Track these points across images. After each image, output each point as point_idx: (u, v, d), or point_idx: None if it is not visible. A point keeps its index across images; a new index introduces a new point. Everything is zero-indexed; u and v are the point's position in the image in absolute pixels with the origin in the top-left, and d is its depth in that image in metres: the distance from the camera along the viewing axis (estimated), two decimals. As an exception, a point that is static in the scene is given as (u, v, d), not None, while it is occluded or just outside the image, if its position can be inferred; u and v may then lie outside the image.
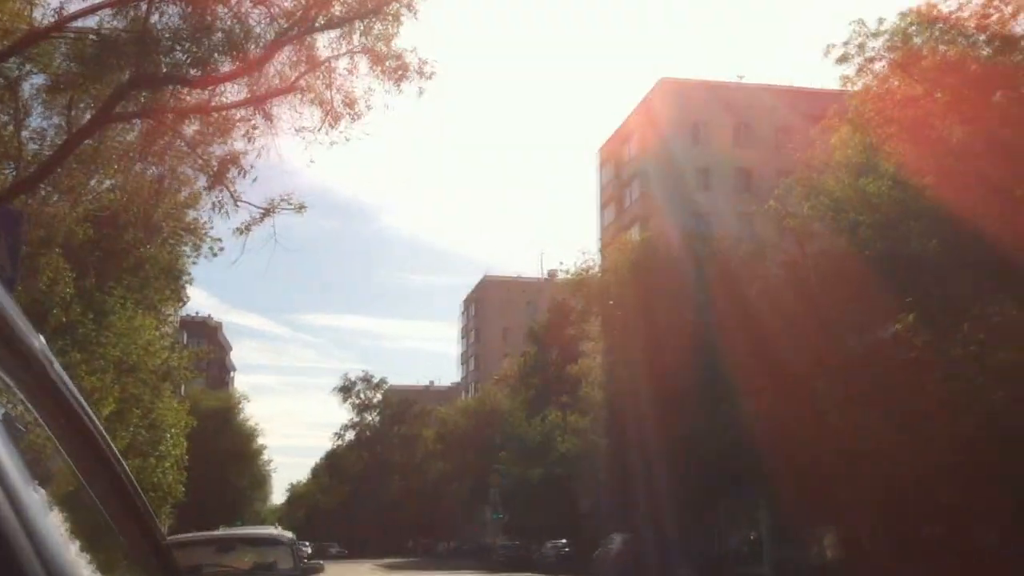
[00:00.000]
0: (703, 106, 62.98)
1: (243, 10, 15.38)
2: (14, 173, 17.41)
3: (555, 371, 64.01)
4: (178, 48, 15.40)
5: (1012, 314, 25.73)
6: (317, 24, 16.04)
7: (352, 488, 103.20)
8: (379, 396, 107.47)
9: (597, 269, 49.12)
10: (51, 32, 15.18)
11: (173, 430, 32.02)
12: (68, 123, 16.59)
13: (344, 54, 16.43)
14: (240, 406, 74.09)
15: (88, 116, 16.55)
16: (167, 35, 15.37)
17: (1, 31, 14.43)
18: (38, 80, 17.26)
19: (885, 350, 28.38)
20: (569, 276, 51.08)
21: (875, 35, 23.92)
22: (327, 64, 16.58)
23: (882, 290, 28.42)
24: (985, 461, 25.42)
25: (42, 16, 15.61)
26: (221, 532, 15.29)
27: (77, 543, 1.40)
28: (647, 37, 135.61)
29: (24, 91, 17.35)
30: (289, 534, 13.82)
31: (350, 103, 16.70)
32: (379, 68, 16.18)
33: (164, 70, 15.73)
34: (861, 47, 24.06)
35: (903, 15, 23.80)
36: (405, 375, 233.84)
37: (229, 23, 15.43)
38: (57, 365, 1.52)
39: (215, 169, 17.76)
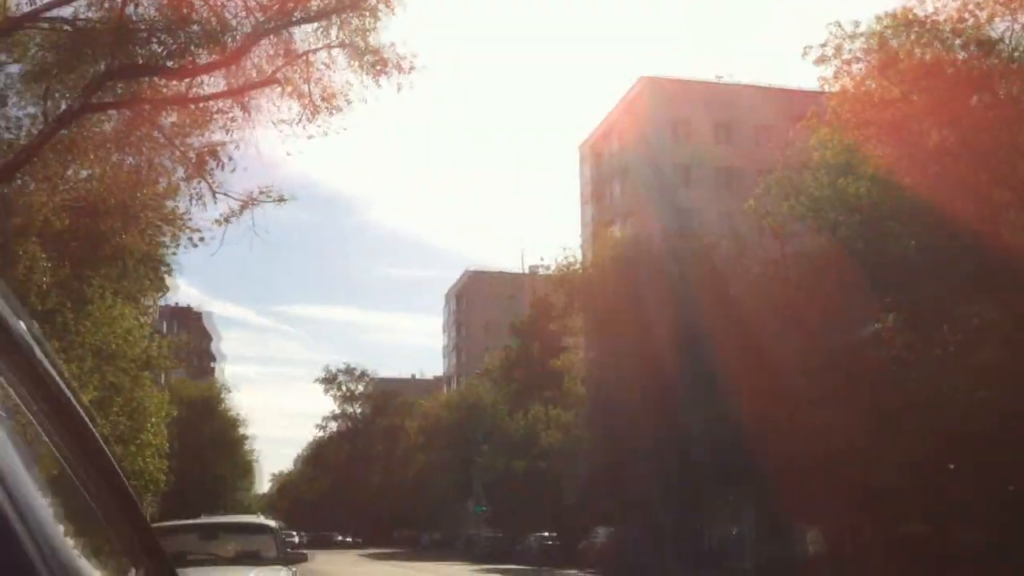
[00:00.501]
0: (684, 104, 63.13)
1: (219, 2, 15.39)
2: (-10, 162, 17.37)
3: (538, 365, 64.16)
4: (154, 40, 15.40)
5: (991, 315, 25.97)
6: (294, 18, 16.05)
7: (335, 479, 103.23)
8: (362, 388, 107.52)
9: (579, 265, 49.23)
10: (25, 21, 15.16)
11: (154, 419, 32.01)
12: (44, 112, 16.57)
13: (321, 48, 16.47)
14: (223, 396, 73.98)
15: (64, 106, 16.54)
16: (143, 26, 15.37)
17: (-24, 20, 14.41)
18: (13, 69, 17.24)
19: (865, 349, 28.59)
20: (551, 272, 51.17)
21: (852, 37, 24.06)
22: (305, 58, 16.60)
23: (862, 290, 28.63)
24: (964, 460, 25.68)
25: (16, 5, 15.59)
26: (204, 520, 15.30)
27: (61, 527, 1.37)
28: (630, 34, 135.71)
29: (0, 80, 17.33)
30: (273, 522, 13.87)
31: (328, 97, 16.72)
32: (357, 63, 16.23)
33: (140, 61, 15.74)
34: (838, 49, 24.20)
35: (879, 18, 23.94)
36: (389, 367, 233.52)
37: (205, 15, 15.44)
38: (41, 349, 1.51)
39: (193, 160, 17.77)
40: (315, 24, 16.30)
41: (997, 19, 23.64)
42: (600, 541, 45.57)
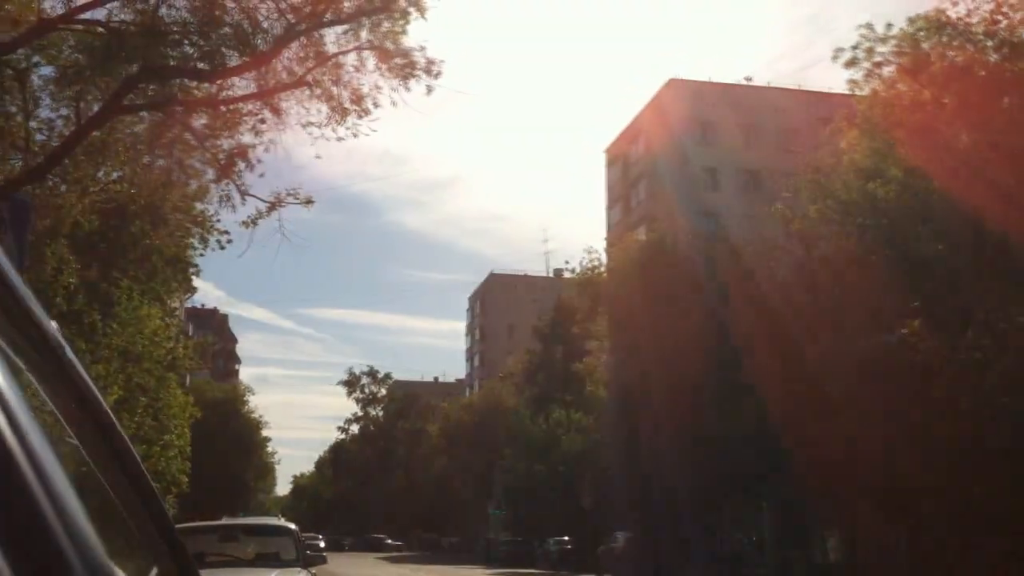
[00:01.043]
0: (711, 107, 62.90)
1: (252, 4, 15.43)
2: (21, 163, 17.49)
3: (560, 369, 64.09)
4: (186, 41, 15.46)
5: (1018, 320, 25.71)
6: (325, 20, 16.07)
7: (356, 481, 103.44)
8: (384, 390, 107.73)
9: (603, 268, 49.14)
10: (60, 23, 15.24)
11: (177, 420, 32.18)
12: (76, 114, 16.66)
13: (351, 50, 16.48)
14: (245, 397, 74.29)
15: (96, 107, 16.62)
16: (175, 28, 15.44)
17: (10, 22, 14.49)
18: (47, 71, 17.35)
19: (892, 354, 28.37)
20: (575, 276, 51.13)
21: (883, 40, 23.88)
22: (335, 60, 16.62)
23: (889, 294, 28.41)
24: (990, 467, 25.41)
25: (51, 7, 15.69)
26: (224, 521, 15.33)
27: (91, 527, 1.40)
28: (657, 36, 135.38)
29: (33, 82, 17.43)
30: (292, 525, 13.86)
31: (357, 99, 16.74)
32: (386, 65, 16.22)
33: (172, 63, 15.80)
34: (869, 52, 24.03)
35: (912, 20, 23.76)
36: (412, 370, 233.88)
37: (237, 17, 15.49)
38: (69, 350, 1.52)
39: (222, 162, 17.83)
40: (345, 26, 16.33)
41: (1031, 21, 23.43)
42: (619, 545, 45.45)
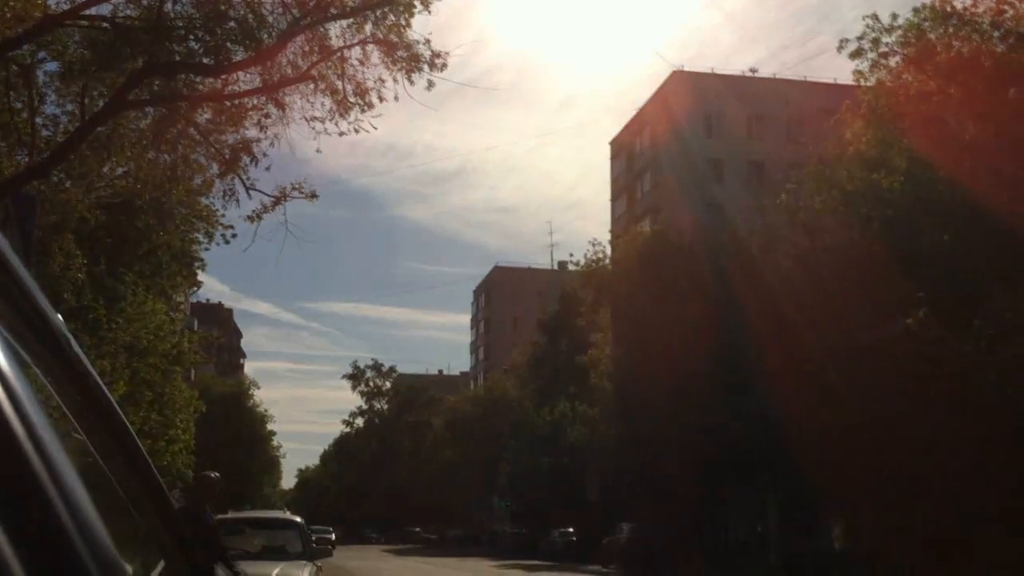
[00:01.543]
0: (716, 98, 62.81)
1: (256, -1, 15.41)
2: (27, 159, 17.51)
3: (564, 361, 64.14)
4: (191, 37, 15.45)
5: (1022, 308, 25.70)
6: (330, 13, 16.04)
7: (361, 474, 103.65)
8: (388, 384, 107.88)
9: (608, 260, 49.14)
10: (65, 19, 15.23)
11: (182, 414, 32.24)
12: (81, 110, 16.65)
13: (356, 44, 16.43)
14: (250, 392, 74.45)
15: (101, 103, 16.62)
16: (180, 23, 15.43)
17: (15, 18, 14.48)
18: (52, 67, 17.35)
19: (897, 344, 28.38)
20: (580, 268, 51.12)
21: (889, 30, 23.82)
22: (340, 54, 16.59)
23: (893, 284, 28.40)
24: (995, 457, 25.41)
25: (56, 3, 15.69)
26: (231, 515, 15.39)
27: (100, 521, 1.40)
28: (661, 28, 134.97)
29: (38, 78, 17.44)
30: (298, 518, 13.92)
31: (361, 93, 16.70)
32: (390, 59, 16.19)
33: (177, 58, 15.79)
34: (875, 42, 23.97)
35: (917, 10, 23.69)
36: (417, 363, 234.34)
37: (242, 12, 15.47)
38: (76, 345, 1.53)
39: (227, 157, 17.82)
40: (350, 20, 16.29)
41: (1037, 10, 23.35)
42: (624, 537, 45.53)
